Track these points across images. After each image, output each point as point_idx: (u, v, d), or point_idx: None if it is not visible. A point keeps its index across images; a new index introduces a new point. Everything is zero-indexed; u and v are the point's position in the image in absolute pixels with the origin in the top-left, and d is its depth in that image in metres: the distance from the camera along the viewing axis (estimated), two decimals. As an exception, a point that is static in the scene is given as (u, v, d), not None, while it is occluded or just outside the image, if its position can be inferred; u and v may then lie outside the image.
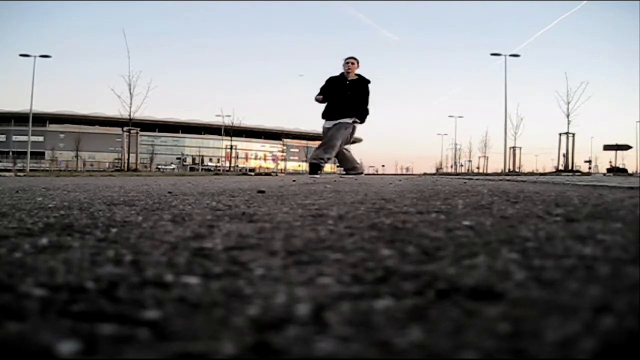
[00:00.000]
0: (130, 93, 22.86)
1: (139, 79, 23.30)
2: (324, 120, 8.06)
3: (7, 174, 12.32)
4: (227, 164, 43.71)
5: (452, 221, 1.29)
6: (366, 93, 7.91)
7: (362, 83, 7.93)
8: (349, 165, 8.26)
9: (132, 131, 23.89)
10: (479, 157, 53.80)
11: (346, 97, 7.78)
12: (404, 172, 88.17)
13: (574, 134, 28.34)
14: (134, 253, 0.83)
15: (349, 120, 7.88)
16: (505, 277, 0.64)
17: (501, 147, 30.38)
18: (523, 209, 1.66)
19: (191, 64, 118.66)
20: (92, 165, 54.02)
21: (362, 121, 7.94)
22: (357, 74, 7.95)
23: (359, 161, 8.33)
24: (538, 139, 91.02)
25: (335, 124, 7.87)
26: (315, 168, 7.96)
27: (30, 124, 28.82)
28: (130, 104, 22.92)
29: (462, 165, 60.50)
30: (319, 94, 8.02)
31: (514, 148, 31.81)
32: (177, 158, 71.80)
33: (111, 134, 64.47)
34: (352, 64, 7.87)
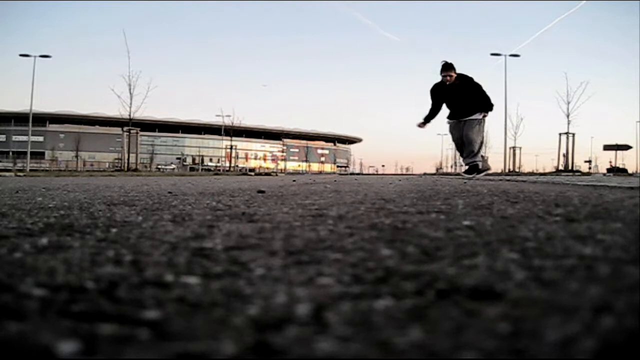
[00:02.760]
0: (130, 93, 22.90)
1: (139, 79, 23.35)
2: (448, 121, 8.25)
3: (7, 174, 12.32)
4: (227, 164, 43.73)
5: (452, 221, 1.29)
6: (477, 88, 7.92)
7: (467, 82, 7.95)
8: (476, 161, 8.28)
9: (132, 131, 23.89)
10: (479, 157, 53.67)
11: (459, 100, 7.88)
12: (404, 172, 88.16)
13: (574, 134, 28.35)
14: (134, 253, 0.83)
15: (479, 116, 7.96)
16: (505, 277, 0.64)
17: (501, 147, 30.39)
18: (523, 209, 1.66)
19: (191, 64, 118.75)
20: (92, 165, 54.00)
21: (490, 110, 8.00)
22: (458, 75, 7.96)
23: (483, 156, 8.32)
24: (538, 139, 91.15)
25: (460, 121, 7.97)
26: (474, 168, 8.15)
27: (30, 124, 28.80)
28: (130, 104, 22.97)
29: (462, 165, 60.45)
30: (427, 118, 8.17)
31: (514, 148, 31.82)
32: (177, 158, 71.82)
33: (111, 134, 64.51)
34: (450, 76, 7.91)
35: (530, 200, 2.10)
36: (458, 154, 8.55)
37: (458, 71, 7.99)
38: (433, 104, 8.13)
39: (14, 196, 2.53)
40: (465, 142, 8.01)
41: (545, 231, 1.08)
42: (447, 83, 7.87)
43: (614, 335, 0.42)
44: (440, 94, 8.00)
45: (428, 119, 8.24)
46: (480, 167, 8.06)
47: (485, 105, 7.96)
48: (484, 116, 7.96)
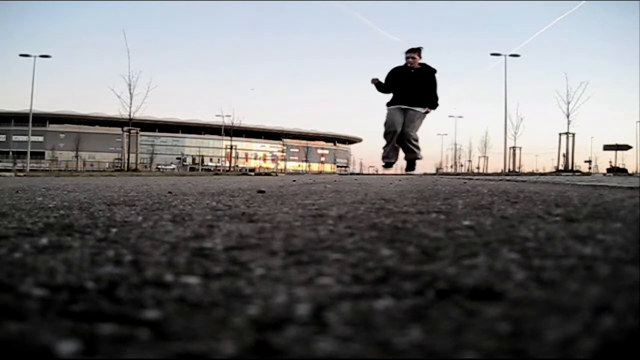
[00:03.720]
0: (130, 93, 22.89)
1: (139, 79, 23.33)
2: (388, 108, 8.02)
3: (7, 174, 12.32)
4: (227, 164, 43.75)
5: (452, 221, 1.29)
6: (434, 82, 7.87)
7: (428, 72, 7.88)
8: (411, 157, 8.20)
9: (132, 131, 23.89)
10: (479, 157, 53.77)
11: (413, 86, 7.73)
12: (404, 172, 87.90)
13: (574, 134, 28.35)
14: (134, 253, 0.83)
15: (422, 110, 7.86)
16: (505, 277, 0.64)
17: (501, 147, 30.39)
18: (523, 209, 1.66)
19: (191, 64, 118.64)
20: (92, 165, 54.00)
21: (434, 108, 7.96)
22: (421, 64, 7.88)
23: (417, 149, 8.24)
24: (538, 139, 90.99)
25: (403, 109, 7.83)
26: (412, 165, 8.08)
27: (30, 124, 28.80)
28: (130, 104, 22.96)
29: (462, 165, 60.39)
30: (383, 85, 7.99)
31: (514, 148, 31.82)
32: (177, 158, 71.79)
33: (111, 134, 64.47)
34: (413, 58, 7.79)
35: (530, 200, 2.10)
36: (387, 143, 8.14)
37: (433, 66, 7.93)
38: (386, 84, 7.98)
39: (14, 196, 2.53)
40: (408, 136, 7.87)
41: (545, 231, 1.08)
42: (409, 65, 7.79)
43: (614, 335, 0.42)
44: (397, 78, 7.87)
45: (380, 86, 8.07)
46: (418, 157, 8.05)
47: (433, 101, 7.92)
48: (427, 112, 7.95)
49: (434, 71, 7.92)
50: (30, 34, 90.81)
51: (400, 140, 8.01)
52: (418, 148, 7.96)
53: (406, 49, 7.87)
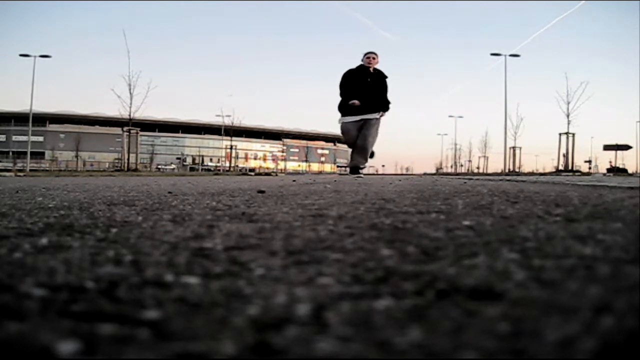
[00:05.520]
0: (130, 93, 22.91)
1: (139, 79, 23.35)
2: (340, 115, 8.22)
3: (7, 174, 12.32)
4: (227, 164, 43.76)
5: (452, 221, 1.29)
6: (386, 87, 8.13)
7: (382, 77, 8.11)
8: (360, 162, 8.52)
9: (132, 131, 23.90)
10: (479, 157, 53.80)
11: (369, 90, 7.93)
12: (404, 172, 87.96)
13: (574, 134, 28.37)
14: (134, 253, 0.83)
15: (377, 115, 8.08)
16: (505, 277, 0.64)
17: (501, 147, 30.44)
18: (523, 209, 1.66)
19: (191, 64, 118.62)
20: (92, 165, 53.96)
21: (387, 110, 8.22)
22: (375, 68, 8.07)
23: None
24: (538, 139, 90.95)
25: (359, 121, 8.01)
26: (356, 170, 8.40)
27: (30, 124, 28.81)
28: (130, 104, 22.98)
29: (462, 165, 60.40)
30: (343, 93, 8.19)
31: (514, 148, 31.84)
32: (177, 158, 71.75)
33: (111, 134, 64.42)
34: (373, 58, 8.03)
35: (530, 200, 2.10)
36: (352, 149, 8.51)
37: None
38: (345, 91, 8.13)
39: (14, 196, 2.53)
40: (361, 145, 8.20)
41: (545, 231, 1.08)
42: (369, 64, 7.98)
43: (614, 335, 0.42)
44: (354, 81, 8.05)
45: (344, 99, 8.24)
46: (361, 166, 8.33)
47: (385, 105, 8.18)
48: (381, 116, 8.18)
49: (386, 77, 8.21)
50: (30, 34, 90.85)
51: (356, 151, 8.31)
52: (367, 159, 8.34)
53: (365, 52, 8.16)
